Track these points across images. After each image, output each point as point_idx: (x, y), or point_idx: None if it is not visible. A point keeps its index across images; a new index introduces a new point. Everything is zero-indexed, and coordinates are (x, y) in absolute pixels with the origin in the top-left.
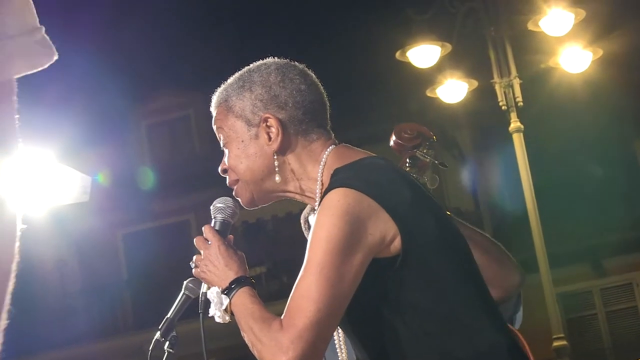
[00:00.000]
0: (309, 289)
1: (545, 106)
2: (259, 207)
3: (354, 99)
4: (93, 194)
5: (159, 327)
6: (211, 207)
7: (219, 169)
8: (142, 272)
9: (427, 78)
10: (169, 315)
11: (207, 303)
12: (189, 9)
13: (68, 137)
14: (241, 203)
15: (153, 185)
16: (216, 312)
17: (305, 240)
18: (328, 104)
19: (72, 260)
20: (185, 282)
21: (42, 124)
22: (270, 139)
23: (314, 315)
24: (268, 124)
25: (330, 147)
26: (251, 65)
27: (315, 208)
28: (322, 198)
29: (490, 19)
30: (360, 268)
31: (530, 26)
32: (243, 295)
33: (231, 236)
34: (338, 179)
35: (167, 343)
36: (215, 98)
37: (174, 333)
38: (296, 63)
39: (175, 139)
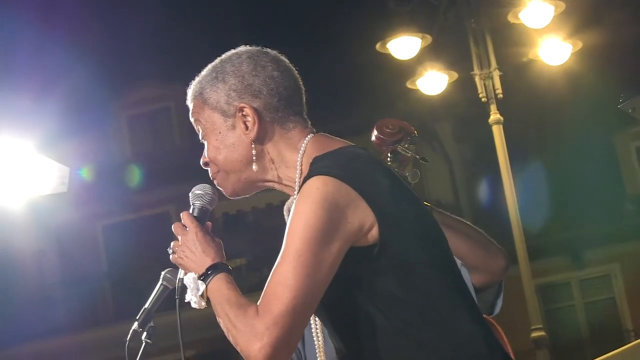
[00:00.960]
0: (285, 276)
1: (525, 98)
2: (242, 197)
3: (334, 91)
4: (73, 185)
5: (137, 318)
6: (190, 194)
7: (201, 162)
8: (122, 263)
9: (408, 70)
10: (146, 306)
11: (184, 289)
12: (170, 1)
13: (47, 128)
14: (224, 193)
15: (134, 176)
16: (192, 298)
17: None
18: (303, 90)
19: (52, 252)
20: (163, 273)
21: (22, 114)
22: (247, 128)
23: (290, 302)
24: (244, 113)
25: (309, 136)
26: (223, 55)
27: (294, 195)
28: (301, 186)
29: (470, 11)
30: (337, 256)
31: (510, 18)
32: (219, 282)
33: (209, 223)
34: (317, 167)
35: (145, 334)
36: (190, 91)
37: (151, 324)
38: (268, 50)
39: (156, 131)
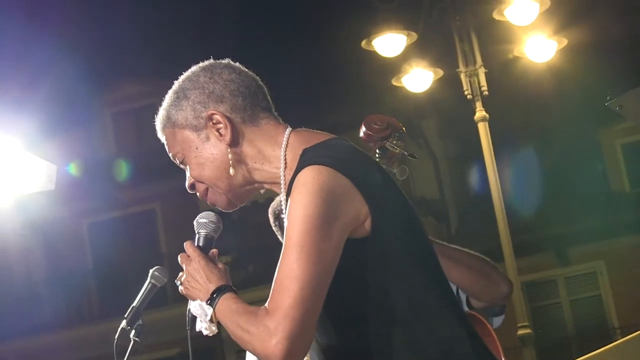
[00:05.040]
0: (290, 268)
1: (511, 95)
2: (239, 207)
3: (320, 88)
4: (59, 182)
5: (125, 316)
6: (194, 222)
7: (187, 186)
8: (108, 260)
9: (393, 67)
10: (135, 304)
11: (194, 320)
12: None
13: (33, 125)
14: (220, 209)
15: (119, 174)
16: (202, 325)
17: (272, 231)
18: (266, 88)
19: (38, 249)
20: (151, 271)
21: (7, 111)
22: (221, 134)
23: (298, 294)
24: (214, 121)
25: (288, 130)
26: (178, 79)
27: (281, 191)
28: (292, 178)
29: (455, 8)
30: (339, 244)
31: (496, 15)
32: (226, 301)
33: (215, 250)
34: (310, 157)
35: (133, 332)
36: (157, 124)
37: (140, 322)
38: (220, 60)
39: (141, 128)
